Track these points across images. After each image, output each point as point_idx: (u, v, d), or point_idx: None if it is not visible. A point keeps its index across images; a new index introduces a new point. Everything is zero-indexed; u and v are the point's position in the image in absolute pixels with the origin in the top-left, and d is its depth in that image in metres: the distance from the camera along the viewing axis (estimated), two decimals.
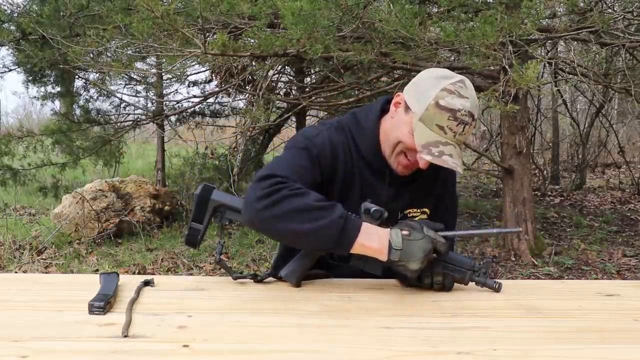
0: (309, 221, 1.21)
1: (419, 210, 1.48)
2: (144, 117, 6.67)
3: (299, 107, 5.01)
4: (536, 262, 4.46)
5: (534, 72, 3.18)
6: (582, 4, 4.24)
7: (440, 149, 1.28)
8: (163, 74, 6.26)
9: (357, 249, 1.24)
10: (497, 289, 1.33)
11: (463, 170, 1.35)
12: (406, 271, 1.24)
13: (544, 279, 4.06)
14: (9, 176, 5.73)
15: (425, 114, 1.28)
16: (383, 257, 1.24)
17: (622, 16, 4.13)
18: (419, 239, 1.24)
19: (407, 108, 1.34)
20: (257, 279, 1.36)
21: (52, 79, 6.53)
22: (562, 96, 8.01)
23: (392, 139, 1.37)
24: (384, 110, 1.44)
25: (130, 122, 6.38)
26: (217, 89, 6.18)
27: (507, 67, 3.54)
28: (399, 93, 1.39)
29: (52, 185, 6.20)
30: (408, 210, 1.47)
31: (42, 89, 6.68)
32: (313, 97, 5.09)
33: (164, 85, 6.82)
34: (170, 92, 7.19)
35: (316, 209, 1.22)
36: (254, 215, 1.24)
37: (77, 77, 6.65)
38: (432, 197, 1.50)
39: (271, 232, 1.29)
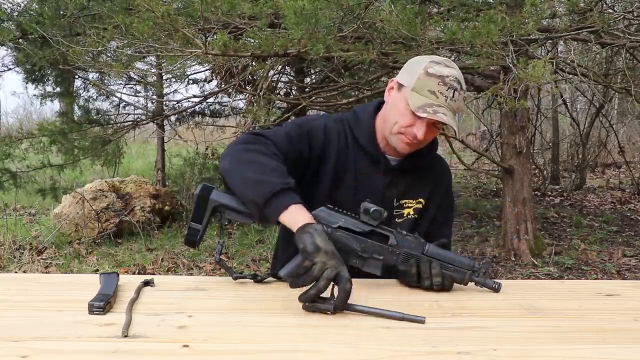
0: (258, 174, 1.27)
1: (414, 201, 1.52)
2: (143, 117, 6.67)
3: (299, 107, 5.01)
4: (536, 262, 4.46)
5: (543, 69, 3.17)
6: (582, 4, 4.24)
7: (434, 109, 1.35)
8: (163, 74, 6.26)
9: (284, 216, 1.23)
10: (497, 289, 1.33)
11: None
12: (308, 240, 1.15)
13: (544, 279, 4.06)
14: (6, 178, 5.72)
15: (417, 82, 1.37)
16: (304, 222, 1.20)
17: (622, 16, 4.14)
18: (335, 249, 1.18)
19: (399, 86, 1.43)
20: (257, 279, 1.36)
21: (51, 78, 6.52)
22: (562, 96, 8.01)
23: (390, 120, 1.44)
24: (379, 108, 1.53)
25: (130, 122, 6.38)
26: (217, 89, 6.18)
27: (511, 65, 3.54)
28: (392, 78, 1.48)
29: (50, 187, 6.19)
30: (404, 200, 1.51)
31: (42, 88, 6.68)
32: (313, 97, 5.10)
33: (164, 85, 6.82)
34: (170, 92, 7.20)
35: (271, 169, 1.28)
36: (227, 151, 1.35)
37: (77, 77, 6.65)
38: (426, 189, 1.54)
39: (228, 172, 1.33)
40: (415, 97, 1.37)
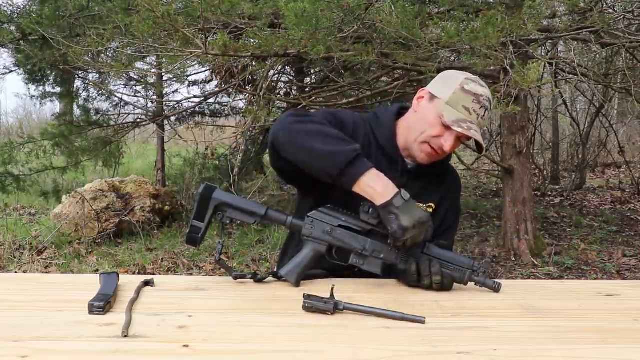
0: (326, 144, 1.30)
1: (424, 205, 1.53)
2: (144, 117, 6.67)
3: (299, 107, 5.01)
4: (536, 262, 4.46)
5: (535, 73, 3.19)
6: (582, 4, 4.24)
7: (468, 125, 1.40)
8: (163, 74, 6.26)
9: (360, 186, 1.28)
10: (497, 289, 1.33)
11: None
12: (394, 223, 1.26)
13: (544, 279, 4.06)
14: (9, 182, 5.72)
15: (452, 97, 1.42)
16: (383, 199, 1.27)
17: (622, 16, 4.13)
18: (422, 210, 1.30)
19: (432, 97, 1.46)
20: (257, 278, 1.36)
21: (52, 79, 6.52)
22: (562, 96, 8.00)
23: (416, 129, 1.47)
24: (400, 114, 1.57)
25: (130, 123, 6.38)
26: (217, 89, 6.17)
27: (508, 67, 3.54)
28: (423, 88, 1.51)
29: (53, 189, 6.20)
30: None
31: (42, 89, 6.67)
32: (313, 97, 5.09)
33: (164, 85, 6.81)
34: (171, 92, 7.20)
35: (337, 137, 1.33)
36: (282, 126, 1.35)
37: (77, 77, 6.65)
38: (437, 194, 1.57)
39: (289, 145, 1.34)
40: (450, 110, 1.41)
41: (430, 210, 1.54)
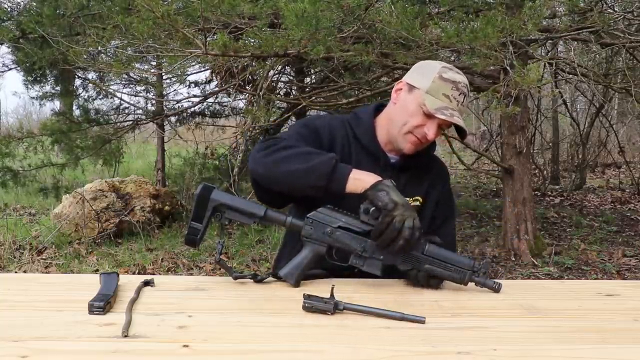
0: (302, 162, 1.34)
1: (411, 199, 1.53)
2: (143, 117, 6.67)
3: (299, 107, 5.00)
4: (536, 262, 4.46)
5: (535, 74, 3.19)
6: (582, 4, 4.24)
7: (450, 112, 1.43)
8: (163, 74, 6.26)
9: (350, 184, 1.33)
10: (497, 289, 1.33)
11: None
12: (385, 197, 1.28)
13: (544, 279, 4.06)
14: (9, 177, 5.73)
15: (432, 86, 1.44)
16: (374, 181, 1.31)
17: (622, 16, 4.13)
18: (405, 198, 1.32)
19: (411, 88, 1.48)
20: (257, 279, 1.36)
21: (51, 78, 6.52)
22: (562, 96, 8.00)
23: (398, 121, 1.49)
24: (379, 110, 1.59)
25: (130, 122, 6.38)
26: (217, 89, 6.17)
27: (508, 67, 3.54)
28: (400, 80, 1.53)
29: (52, 185, 6.20)
30: None
31: (42, 88, 6.68)
32: (313, 97, 5.09)
33: (164, 85, 6.81)
34: (170, 92, 7.20)
35: (309, 153, 1.37)
36: (255, 162, 1.39)
37: (76, 76, 6.65)
38: (424, 186, 1.58)
39: (270, 176, 1.38)
40: (431, 99, 1.43)
41: (417, 204, 1.55)
